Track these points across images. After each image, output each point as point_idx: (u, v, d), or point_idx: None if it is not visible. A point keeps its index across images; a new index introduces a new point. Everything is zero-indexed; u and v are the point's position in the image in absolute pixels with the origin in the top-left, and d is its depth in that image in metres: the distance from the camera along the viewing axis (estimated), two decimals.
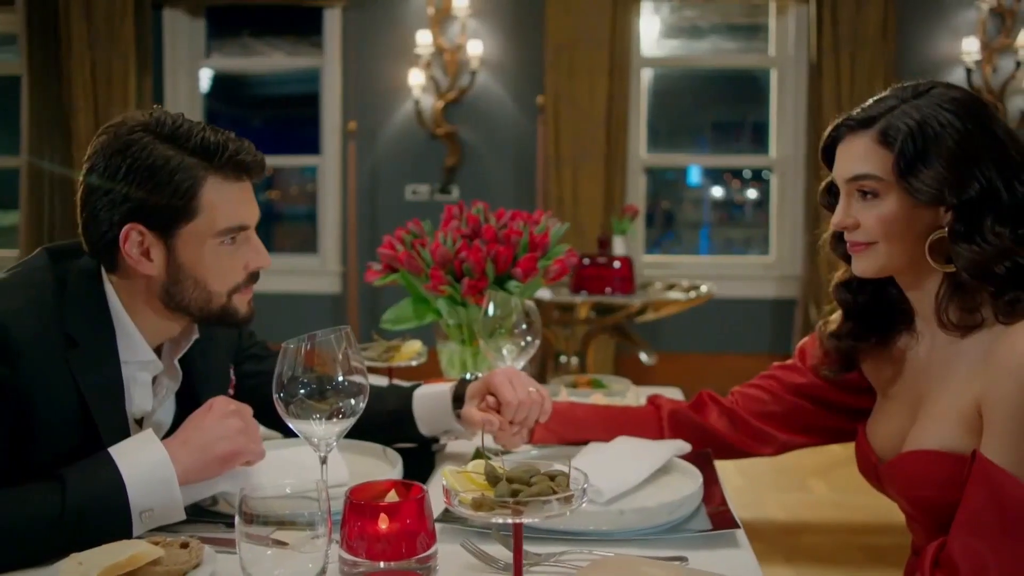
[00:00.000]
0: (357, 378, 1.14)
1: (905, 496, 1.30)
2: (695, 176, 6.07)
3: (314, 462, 1.27)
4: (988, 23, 5.19)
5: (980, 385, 1.18)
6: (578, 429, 1.54)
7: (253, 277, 1.37)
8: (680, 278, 4.55)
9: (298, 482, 1.00)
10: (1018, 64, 5.12)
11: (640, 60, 5.59)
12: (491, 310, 1.62)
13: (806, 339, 1.55)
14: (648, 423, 1.56)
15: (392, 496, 1.08)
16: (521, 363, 1.61)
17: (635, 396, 1.91)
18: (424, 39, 5.37)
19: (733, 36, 5.79)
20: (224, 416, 1.27)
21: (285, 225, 6.37)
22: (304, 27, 5.82)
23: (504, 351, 1.61)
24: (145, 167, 1.26)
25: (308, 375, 1.12)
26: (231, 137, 1.31)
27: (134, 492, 1.17)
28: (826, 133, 1.32)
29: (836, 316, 1.43)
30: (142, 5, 5.50)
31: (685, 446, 1.44)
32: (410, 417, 1.55)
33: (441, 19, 5.46)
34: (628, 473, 1.31)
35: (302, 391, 1.12)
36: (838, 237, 1.34)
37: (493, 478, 0.96)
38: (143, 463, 1.19)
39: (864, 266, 1.29)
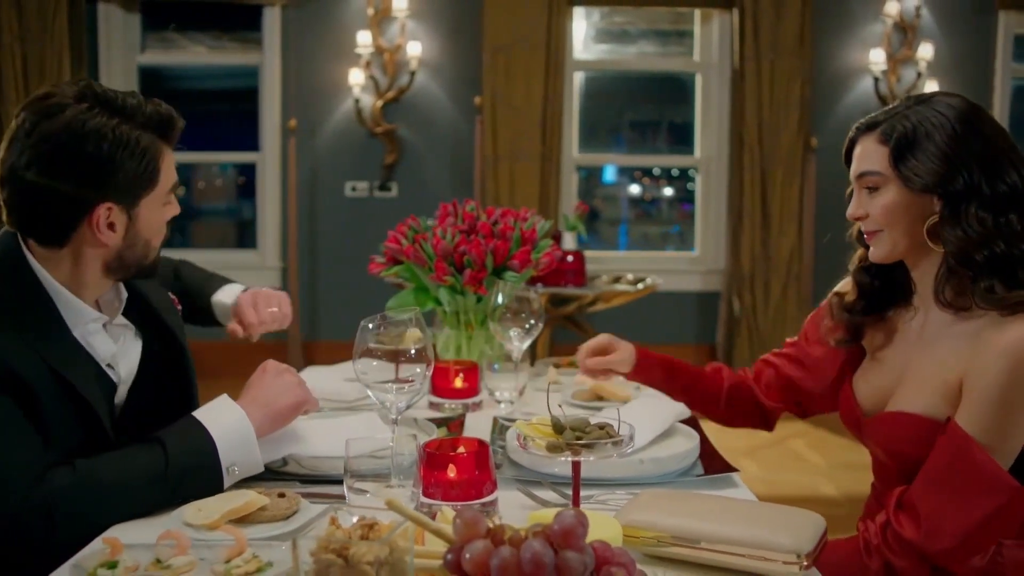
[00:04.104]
0: (422, 352, 1.32)
1: (884, 449, 1.52)
2: (610, 174, 6.36)
3: (367, 429, 1.46)
4: (892, 36, 5.63)
5: (966, 362, 1.39)
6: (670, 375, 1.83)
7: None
8: (611, 272, 4.80)
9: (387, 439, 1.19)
10: (919, 74, 5.57)
11: (573, 63, 5.84)
12: (499, 298, 1.82)
13: (808, 318, 1.76)
14: (713, 386, 1.80)
15: (460, 450, 1.27)
16: (527, 342, 1.82)
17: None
18: (364, 39, 5.50)
19: (660, 42, 6.09)
20: (279, 374, 1.44)
21: (205, 221, 6.44)
22: (240, 24, 5.86)
23: (511, 333, 1.82)
24: (115, 146, 1.31)
25: (382, 348, 1.30)
26: (165, 105, 1.41)
27: (222, 449, 1.33)
28: (847, 138, 1.54)
29: (850, 291, 1.62)
30: None
31: (685, 411, 1.68)
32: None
33: (380, 20, 5.59)
34: (642, 432, 1.53)
35: (375, 363, 1.30)
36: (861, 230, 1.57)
37: (559, 427, 1.17)
38: (226, 423, 1.35)
39: (877, 252, 1.50)
